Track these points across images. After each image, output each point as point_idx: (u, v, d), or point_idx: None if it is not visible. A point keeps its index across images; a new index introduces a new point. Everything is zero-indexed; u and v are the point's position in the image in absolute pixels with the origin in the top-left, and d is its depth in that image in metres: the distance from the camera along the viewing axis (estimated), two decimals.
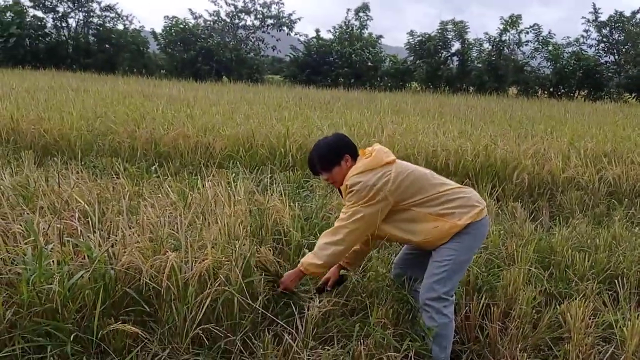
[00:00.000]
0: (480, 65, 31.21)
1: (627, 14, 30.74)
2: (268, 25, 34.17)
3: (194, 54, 31.17)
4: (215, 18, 33.77)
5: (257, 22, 34.20)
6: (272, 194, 4.21)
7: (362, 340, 2.56)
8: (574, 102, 22.59)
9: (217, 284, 2.58)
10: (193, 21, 33.26)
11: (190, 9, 49.70)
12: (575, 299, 3.21)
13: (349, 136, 7.75)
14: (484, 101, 19.35)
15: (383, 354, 2.55)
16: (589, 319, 2.98)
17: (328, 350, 2.51)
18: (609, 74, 30.58)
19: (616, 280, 3.54)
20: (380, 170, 2.68)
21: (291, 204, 4.10)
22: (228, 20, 33.90)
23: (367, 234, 2.79)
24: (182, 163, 6.52)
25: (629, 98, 29.08)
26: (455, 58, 31.87)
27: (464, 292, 3.38)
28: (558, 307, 3.19)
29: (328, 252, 2.68)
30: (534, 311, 3.18)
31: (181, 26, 32.08)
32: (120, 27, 33.34)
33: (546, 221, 5.37)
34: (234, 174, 4.79)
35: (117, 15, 33.25)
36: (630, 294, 3.54)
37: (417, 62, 31.69)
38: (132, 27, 33.56)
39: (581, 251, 3.98)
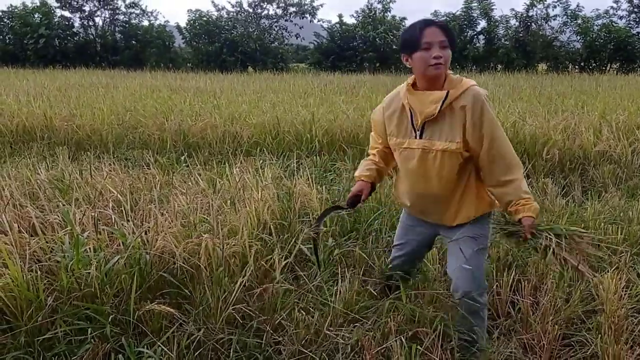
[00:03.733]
0: (507, 43, 30.62)
1: None
2: (291, 14, 34.14)
3: (219, 46, 31.40)
4: (238, 9, 33.93)
5: (279, 11, 34.20)
6: (299, 179, 4.26)
7: (391, 317, 2.59)
8: (605, 76, 21.98)
9: (248, 266, 2.64)
10: (216, 13, 33.49)
11: (212, 1, 50.03)
12: (608, 271, 3.17)
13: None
14: (513, 79, 18.98)
15: (414, 329, 2.57)
16: (623, 290, 2.94)
17: (359, 327, 2.54)
18: None
19: None
20: None
21: (318, 187, 4.14)
22: (251, 10, 34.00)
23: None
24: (211, 152, 6.62)
25: None
26: (481, 37, 31.32)
27: (494, 269, 3.37)
28: (591, 280, 3.16)
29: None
30: (565, 285, 3.15)
31: (205, 19, 32.31)
32: (146, 23, 33.86)
33: (578, 196, 5.28)
34: (261, 161, 4.86)
35: (142, 12, 33.73)
36: None
37: None
38: (157, 22, 34.08)
39: (614, 224, 3.91)
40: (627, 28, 29.87)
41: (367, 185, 2.55)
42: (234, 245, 2.76)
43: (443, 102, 2.20)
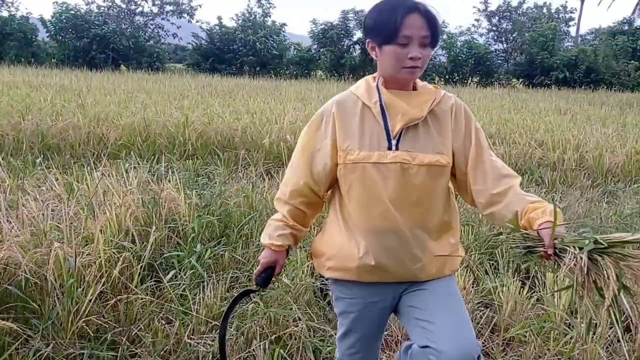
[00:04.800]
0: None
1: (514, 4, 32.95)
2: (167, 12, 33.06)
3: (88, 42, 29.50)
4: (110, 4, 32.17)
5: (155, 9, 32.99)
6: (167, 183, 4.13)
7: (257, 320, 2.59)
8: (467, 88, 23.85)
9: (102, 274, 2.50)
10: (85, 7, 31.49)
11: None
12: (458, 269, 3.42)
13: (252, 123, 7.66)
14: None
15: (279, 332, 2.59)
16: (472, 287, 3.19)
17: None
18: (499, 61, 32.62)
19: (496, 251, 3.81)
20: None
21: (187, 192, 4.03)
22: (124, 6, 32.40)
23: None
24: (73, 155, 6.19)
25: (516, 83, 31.19)
26: (357, 46, 32.57)
27: None
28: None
29: None
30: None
31: (72, 12, 30.22)
32: (5, 14, 30.88)
33: None
34: (128, 165, 4.63)
35: (1, 2, 30.75)
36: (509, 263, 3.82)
37: (321, 50, 32.05)
38: (19, 14, 31.18)
39: (466, 225, 4.24)
40: (486, 45, 32.77)
41: (281, 255, 1.88)
42: (88, 254, 2.59)
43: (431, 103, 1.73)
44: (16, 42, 30.08)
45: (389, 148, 1.69)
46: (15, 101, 8.53)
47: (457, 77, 31.49)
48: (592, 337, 2.54)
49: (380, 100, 1.72)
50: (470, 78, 31.52)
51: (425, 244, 1.72)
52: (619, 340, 2.61)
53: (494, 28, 33.55)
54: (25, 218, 2.99)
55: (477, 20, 33.54)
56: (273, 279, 1.92)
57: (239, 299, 1.98)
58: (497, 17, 33.40)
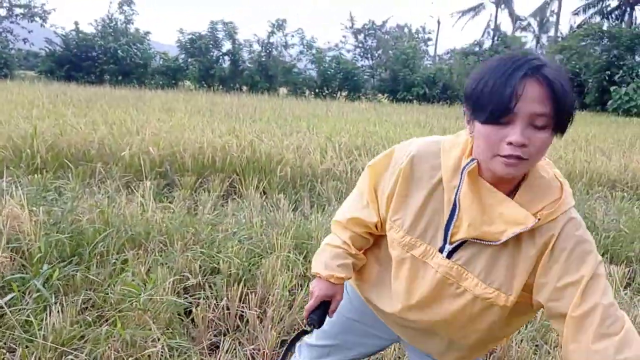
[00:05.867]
0: (251, 66, 32.20)
1: (379, 22, 34.85)
2: (17, 15, 30.33)
3: None
4: None
5: (3, 11, 30.12)
6: (9, 200, 3.73)
7: (111, 344, 2.41)
8: (336, 102, 24.67)
9: None
10: None
11: None
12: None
13: (110, 134, 7.22)
14: (256, 100, 19.98)
15: (137, 354, 2.43)
16: None
17: (72, 359, 2.30)
18: (365, 77, 34.23)
19: None
20: None
21: (33, 208, 3.67)
22: None
23: None
24: None
25: (382, 98, 32.93)
26: (227, 58, 32.33)
27: (225, 283, 3.41)
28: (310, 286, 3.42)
29: None
30: (289, 294, 3.35)
31: None
32: None
33: (306, 209, 5.74)
34: None
35: None
36: None
37: (189, 60, 31.35)
38: None
39: None
40: (354, 61, 34.23)
41: (340, 288, 1.57)
42: None
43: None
44: None
45: (441, 250, 1.33)
46: None
47: (326, 91, 32.48)
48: None
49: (458, 191, 1.28)
50: (339, 92, 32.67)
51: (449, 345, 1.50)
52: None
53: (360, 45, 35.19)
54: None
55: (344, 36, 34.93)
56: (328, 315, 1.60)
57: (295, 341, 1.65)
58: (362, 35, 35.08)
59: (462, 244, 1.30)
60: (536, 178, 1.24)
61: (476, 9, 51.28)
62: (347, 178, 6.90)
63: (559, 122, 1.14)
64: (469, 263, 1.29)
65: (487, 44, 38.21)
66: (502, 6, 49.46)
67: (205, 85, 30.93)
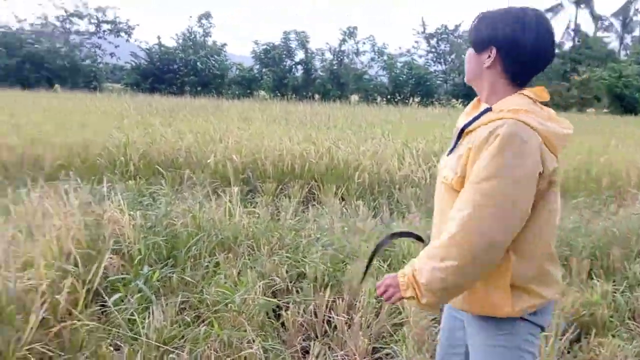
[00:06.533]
0: (323, 74, 32.54)
1: (451, 27, 34.24)
2: (104, 31, 32.28)
3: (20, 61, 28.35)
4: (44, 21, 31.09)
5: (92, 27, 32.13)
6: (110, 204, 3.97)
7: (210, 344, 2.51)
8: (408, 108, 24.45)
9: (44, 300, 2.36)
10: (17, 24, 30.30)
11: (13, 13, 45.13)
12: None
13: (195, 142, 7.52)
14: (328, 108, 20.15)
15: (233, 355, 2.52)
16: None
17: (174, 358, 2.41)
18: (438, 82, 33.72)
19: None
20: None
21: (131, 213, 3.89)
22: (58, 24, 31.38)
23: None
24: (7, 177, 5.87)
25: (456, 103, 32.29)
26: (299, 67, 32.86)
27: (312, 289, 3.47)
28: None
29: None
30: (375, 301, 3.36)
31: (2, 30, 28.99)
32: None
33: (386, 217, 5.72)
34: (67, 186, 4.42)
35: None
36: None
37: (264, 70, 32.13)
38: None
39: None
40: (426, 66, 33.81)
41: None
42: (28, 279, 2.44)
43: (476, 118, 1.56)
44: None
45: (447, 153, 1.68)
46: None
47: (398, 97, 32.27)
48: None
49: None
50: (411, 98, 32.37)
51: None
52: None
53: (433, 50, 34.69)
54: None
55: (416, 42, 34.51)
56: None
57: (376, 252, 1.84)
58: (435, 39, 34.57)
59: (456, 143, 1.63)
60: (499, 97, 1.58)
61: (554, 10, 49.24)
62: (426, 185, 6.82)
63: (473, 43, 1.62)
64: (448, 156, 1.64)
65: (568, 45, 36.62)
66: (582, 6, 47.23)
67: (278, 94, 31.58)
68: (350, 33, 32.19)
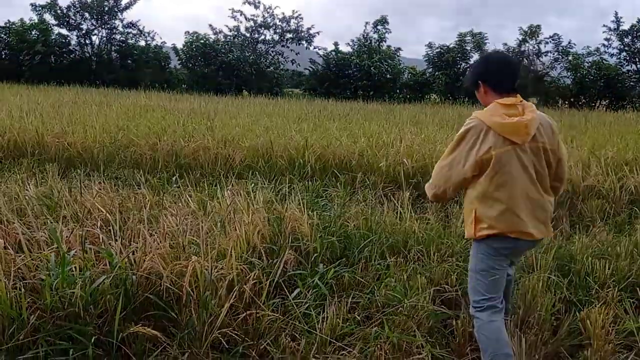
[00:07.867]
0: None
1: None
2: (287, 40, 34.46)
3: (215, 69, 31.58)
4: (235, 33, 34.19)
5: (276, 37, 34.54)
6: (290, 203, 4.26)
7: (380, 345, 2.57)
8: (594, 112, 22.28)
9: (236, 290, 2.61)
10: (213, 36, 33.74)
11: (210, 25, 50.35)
12: (596, 306, 3.16)
13: (368, 146, 7.69)
14: None
15: (402, 358, 2.54)
16: (610, 326, 2.94)
17: (346, 355, 2.51)
18: (631, 83, 30.13)
19: (638, 288, 3.48)
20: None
21: (309, 212, 4.13)
22: (248, 35, 34.30)
23: None
24: (203, 174, 6.60)
25: None
26: None
27: None
28: (578, 314, 3.15)
29: None
30: (553, 318, 3.14)
31: (202, 41, 32.52)
32: (142, 43, 33.96)
33: (566, 229, 5.31)
34: (253, 184, 4.84)
35: (139, 32, 33.89)
36: None
37: (436, 73, 31.66)
38: (154, 43, 34.14)
39: (602, 259, 3.93)
40: (618, 66, 30.36)
41: None
42: (221, 268, 2.73)
43: None
44: (151, 69, 32.92)
45: None
46: (152, 123, 9.31)
47: (583, 100, 29.55)
48: None
49: None
50: (598, 101, 29.40)
51: None
52: None
53: (627, 48, 31.02)
54: (165, 232, 3.22)
55: (607, 39, 31.02)
56: None
57: None
58: (630, 37, 30.86)
59: None
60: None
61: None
62: (614, 197, 6.17)
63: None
64: None
65: None
66: None
67: (450, 97, 30.88)
68: (532, 32, 30.26)
